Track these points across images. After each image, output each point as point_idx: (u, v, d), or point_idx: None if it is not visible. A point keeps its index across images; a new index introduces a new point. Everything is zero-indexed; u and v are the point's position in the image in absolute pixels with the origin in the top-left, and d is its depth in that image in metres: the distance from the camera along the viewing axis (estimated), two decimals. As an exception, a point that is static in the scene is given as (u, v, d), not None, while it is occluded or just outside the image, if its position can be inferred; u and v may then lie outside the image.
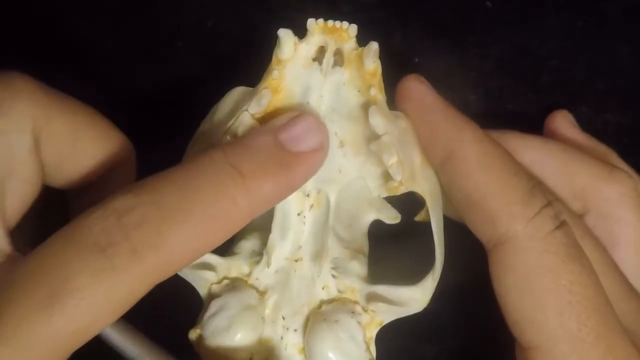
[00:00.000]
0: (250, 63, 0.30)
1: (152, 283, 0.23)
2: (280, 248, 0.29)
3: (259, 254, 0.30)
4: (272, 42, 0.28)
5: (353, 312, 0.28)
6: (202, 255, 0.25)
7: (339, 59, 0.28)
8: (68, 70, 0.40)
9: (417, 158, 0.28)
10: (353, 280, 0.29)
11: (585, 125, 0.40)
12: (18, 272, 0.23)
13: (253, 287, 0.29)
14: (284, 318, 0.29)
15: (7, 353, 0.22)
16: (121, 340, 0.27)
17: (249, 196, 0.24)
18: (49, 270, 0.23)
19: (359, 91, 0.28)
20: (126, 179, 0.31)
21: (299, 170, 0.26)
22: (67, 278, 0.22)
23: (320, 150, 0.26)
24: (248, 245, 0.30)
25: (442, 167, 0.28)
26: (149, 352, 0.27)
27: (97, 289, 0.22)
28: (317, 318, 0.28)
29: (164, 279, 0.24)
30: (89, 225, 0.23)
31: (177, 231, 0.23)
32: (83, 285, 0.22)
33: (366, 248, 0.31)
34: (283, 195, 0.26)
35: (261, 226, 0.30)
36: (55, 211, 0.32)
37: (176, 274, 0.25)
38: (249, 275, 0.29)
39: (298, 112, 0.27)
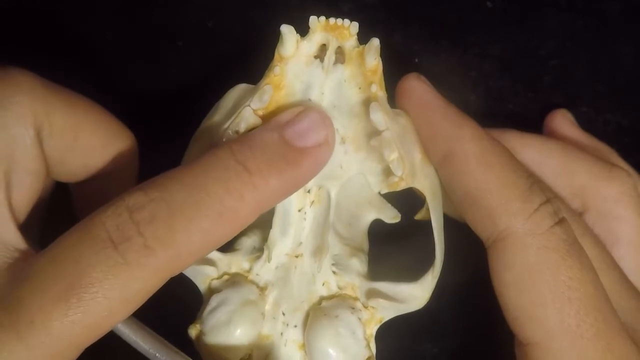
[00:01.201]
0: (251, 63, 0.30)
1: (164, 278, 0.24)
2: (281, 244, 0.29)
3: (260, 250, 0.30)
4: (272, 42, 0.28)
5: (353, 308, 0.28)
6: (211, 250, 0.25)
7: (340, 56, 0.28)
8: (68, 71, 0.40)
9: (417, 155, 0.29)
10: (353, 277, 0.29)
11: (585, 125, 0.40)
12: (32, 267, 0.24)
13: (253, 282, 0.29)
14: (284, 314, 0.29)
15: (21, 347, 0.22)
16: (131, 334, 0.27)
17: (256, 192, 0.25)
18: (64, 265, 0.23)
19: (360, 88, 0.28)
20: (129, 170, 0.31)
21: (306, 166, 0.26)
22: (82, 273, 0.23)
23: (326, 145, 0.26)
24: (248, 241, 0.30)
25: (442, 164, 0.28)
26: (159, 347, 0.27)
27: (111, 283, 0.23)
28: (317, 314, 0.28)
29: (175, 274, 0.24)
30: (102, 222, 0.24)
31: (187, 227, 0.24)
32: (98, 280, 0.23)
33: (366, 246, 0.31)
34: (290, 191, 0.26)
35: (262, 222, 0.30)
36: (62, 210, 0.32)
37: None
38: (249, 271, 0.29)
39: (303, 108, 0.27)
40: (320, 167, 0.27)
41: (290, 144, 0.26)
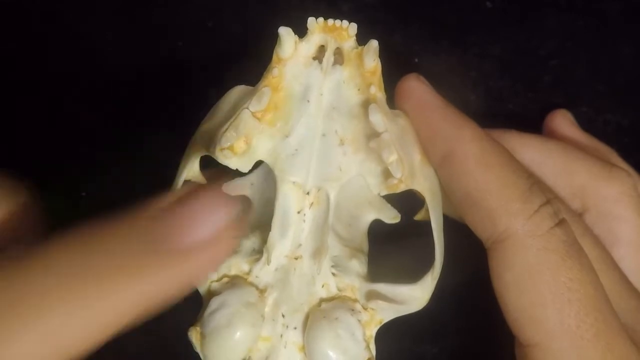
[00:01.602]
0: (251, 63, 0.30)
1: None
2: (280, 246, 0.29)
3: (259, 252, 0.30)
4: (272, 42, 0.28)
5: (353, 310, 0.28)
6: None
7: (339, 57, 0.28)
8: (68, 71, 0.40)
9: (416, 157, 0.29)
10: (353, 279, 0.29)
11: (585, 125, 0.40)
12: None
13: (253, 285, 0.29)
14: (283, 316, 0.29)
15: None
16: None
17: (119, 299, 0.19)
18: None
19: (358, 89, 0.28)
20: (26, 232, 0.25)
21: (189, 265, 0.20)
22: None
23: (218, 242, 0.21)
24: (248, 243, 0.30)
25: (441, 165, 0.28)
26: None
27: None
28: (316, 316, 0.28)
29: None
30: None
31: (20, 332, 0.18)
32: None
33: (366, 247, 0.31)
34: (175, 290, 0.21)
35: (261, 224, 0.30)
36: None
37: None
38: (248, 273, 0.29)
39: (189, 189, 0.22)
40: (209, 269, 0.22)
41: (163, 240, 0.20)
